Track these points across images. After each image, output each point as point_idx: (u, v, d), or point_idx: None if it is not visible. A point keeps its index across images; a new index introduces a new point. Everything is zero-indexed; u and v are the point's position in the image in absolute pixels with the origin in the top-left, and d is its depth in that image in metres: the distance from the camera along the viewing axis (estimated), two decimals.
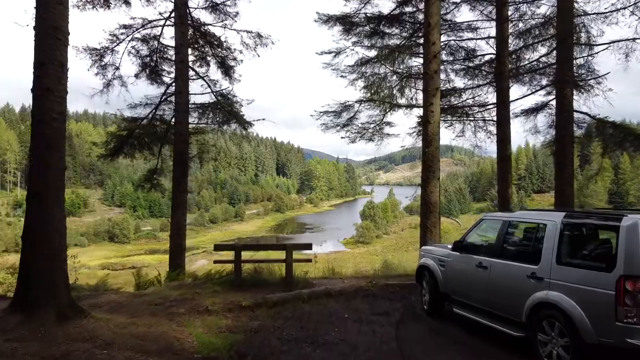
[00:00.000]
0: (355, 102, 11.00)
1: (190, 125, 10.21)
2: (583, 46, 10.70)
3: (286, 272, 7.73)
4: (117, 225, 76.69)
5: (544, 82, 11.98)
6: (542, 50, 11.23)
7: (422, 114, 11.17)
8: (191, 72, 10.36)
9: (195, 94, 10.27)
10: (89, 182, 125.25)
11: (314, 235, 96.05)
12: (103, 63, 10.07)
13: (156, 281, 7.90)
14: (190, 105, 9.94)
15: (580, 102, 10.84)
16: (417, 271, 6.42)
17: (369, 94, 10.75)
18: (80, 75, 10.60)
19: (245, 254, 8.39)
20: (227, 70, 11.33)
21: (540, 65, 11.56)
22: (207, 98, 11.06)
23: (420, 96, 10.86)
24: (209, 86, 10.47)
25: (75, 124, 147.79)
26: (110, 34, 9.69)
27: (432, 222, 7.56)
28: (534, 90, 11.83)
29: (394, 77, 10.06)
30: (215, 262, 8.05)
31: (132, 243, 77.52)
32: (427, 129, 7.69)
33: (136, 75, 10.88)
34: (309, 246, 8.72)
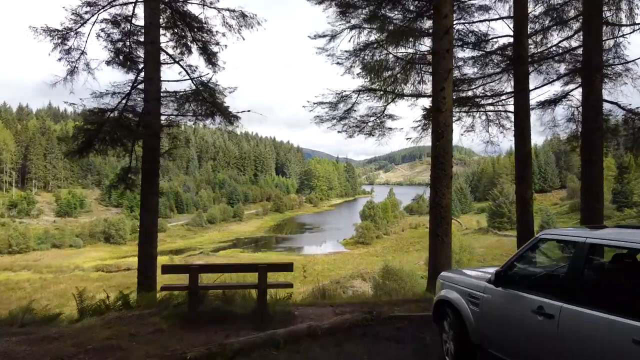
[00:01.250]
0: (353, 91, 9.77)
1: (166, 118, 9.00)
2: (610, 27, 9.50)
3: (258, 301, 6.05)
4: (113, 226, 75.48)
5: (563, 69, 10.82)
6: (562, 34, 10.03)
7: (430, 104, 9.99)
8: (166, 58, 9.15)
9: (169, 80, 8.99)
10: (86, 182, 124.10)
11: (313, 236, 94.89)
12: (67, 47, 8.85)
13: (103, 305, 6.50)
14: (164, 94, 8.71)
15: (605, 92, 9.70)
16: (435, 307, 4.59)
17: (368, 81, 9.53)
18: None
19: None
20: (210, 57, 10.08)
21: (560, 51, 10.36)
22: (187, 87, 9.83)
23: (427, 86, 9.66)
24: (187, 73, 9.18)
25: (73, 123, 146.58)
26: (72, 13, 8.46)
27: (444, 230, 6.33)
28: (551, 80, 10.63)
29: (397, 63, 8.79)
30: (163, 288, 6.34)
31: (128, 244, 76.18)
32: (437, 119, 6.48)
33: (108, 63, 9.64)
34: (288, 267, 6.53)
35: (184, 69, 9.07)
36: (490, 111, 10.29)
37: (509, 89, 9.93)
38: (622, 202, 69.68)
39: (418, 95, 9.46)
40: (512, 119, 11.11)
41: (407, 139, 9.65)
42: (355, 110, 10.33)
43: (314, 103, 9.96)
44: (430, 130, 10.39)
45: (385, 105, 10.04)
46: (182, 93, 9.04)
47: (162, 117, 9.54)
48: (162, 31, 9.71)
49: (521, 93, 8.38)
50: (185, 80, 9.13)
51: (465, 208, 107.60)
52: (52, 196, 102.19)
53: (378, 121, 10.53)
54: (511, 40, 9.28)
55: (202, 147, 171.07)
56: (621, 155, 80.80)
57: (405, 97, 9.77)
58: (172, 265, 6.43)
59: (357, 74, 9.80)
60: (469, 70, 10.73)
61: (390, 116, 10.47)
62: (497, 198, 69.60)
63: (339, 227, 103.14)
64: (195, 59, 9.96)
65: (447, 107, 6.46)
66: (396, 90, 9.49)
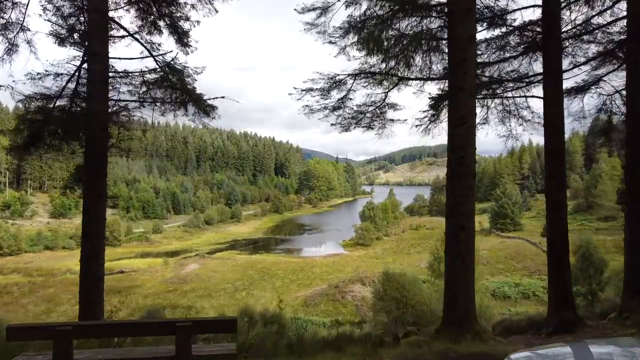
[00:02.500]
0: (349, 75, 8.24)
1: (122, 105, 7.45)
2: None
3: None
4: (107, 227, 73.77)
5: (592, 51, 9.30)
6: (596, 5, 8.51)
7: (438, 90, 8.47)
8: (124, 36, 7.61)
9: (122, 58, 7.41)
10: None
11: (312, 237, 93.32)
12: (3, 21, 7.35)
13: None
14: (117, 75, 7.19)
15: None
16: None
17: (366, 64, 8.00)
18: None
19: None
20: (180, 36, 8.56)
21: (590, 28, 8.85)
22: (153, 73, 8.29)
23: (437, 68, 8.12)
24: (148, 50, 7.57)
25: None
26: None
27: (466, 246, 4.77)
28: (577, 64, 9.12)
29: (403, 38, 7.23)
30: (11, 336, 3.48)
31: (122, 246, 74.79)
32: (457, 100, 4.92)
33: (61, 41, 8.11)
34: (228, 325, 3.85)
35: (144, 45, 7.49)
36: (509, 97, 8.74)
37: (532, 73, 8.40)
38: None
39: (426, 78, 7.92)
40: (533, 110, 9.64)
41: (417, 126, 8.09)
42: (351, 99, 8.81)
43: (302, 90, 8.44)
44: (439, 122, 8.90)
45: (387, 92, 8.51)
46: (139, 73, 7.43)
47: (132, 107, 8.02)
48: (125, 6, 8.23)
49: (552, 74, 6.86)
50: (146, 57, 7.55)
51: None
52: (48, 197, 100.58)
53: (378, 111, 9.01)
54: (534, 14, 7.79)
55: (201, 148, 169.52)
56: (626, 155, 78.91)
57: (410, 82, 8.24)
58: (24, 326, 3.61)
59: (354, 57, 8.29)
60: (483, 52, 9.21)
61: (392, 105, 8.95)
62: (500, 199, 67.93)
63: (339, 228, 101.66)
64: (165, 40, 8.39)
65: (470, 84, 4.90)
66: (400, 73, 7.96)
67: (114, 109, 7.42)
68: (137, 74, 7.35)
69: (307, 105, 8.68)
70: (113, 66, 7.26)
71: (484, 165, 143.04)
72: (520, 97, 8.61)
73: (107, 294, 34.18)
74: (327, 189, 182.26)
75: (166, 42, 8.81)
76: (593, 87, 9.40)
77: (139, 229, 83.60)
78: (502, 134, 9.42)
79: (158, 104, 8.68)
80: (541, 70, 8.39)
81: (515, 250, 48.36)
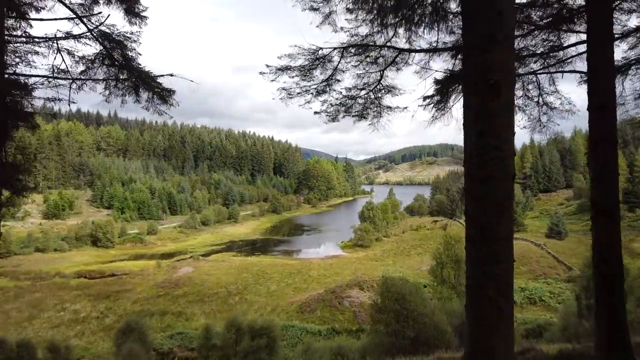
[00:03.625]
0: (335, 49, 6.55)
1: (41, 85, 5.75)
2: None
3: None
4: (101, 229, 72.13)
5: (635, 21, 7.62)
6: None
7: (446, 70, 6.74)
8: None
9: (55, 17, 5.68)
10: (79, 183, 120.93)
11: (310, 238, 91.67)
12: None
13: None
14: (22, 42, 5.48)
15: None
16: None
17: (355, 34, 6.31)
18: None
19: None
20: (130, 5, 6.89)
21: None
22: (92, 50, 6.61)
23: (449, 38, 6.39)
24: (76, 14, 5.86)
25: (66, 123, 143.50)
26: None
27: (505, 290, 2.89)
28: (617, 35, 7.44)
29: None
30: None
31: (116, 247, 73.11)
32: (486, 59, 3.12)
33: None
34: None
35: (68, 7, 5.74)
36: (539, 72, 7.03)
37: (568, 44, 6.69)
38: (633, 203, 66.43)
39: (434, 49, 6.21)
40: (561, 93, 7.96)
41: (424, 106, 6.38)
42: (338, 81, 7.12)
43: (277, 69, 6.75)
44: (448, 109, 7.22)
45: (383, 71, 6.82)
46: (53, 38, 5.68)
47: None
48: None
49: (601, 42, 5.18)
50: (72, 20, 5.79)
51: None
52: (43, 198, 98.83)
53: (372, 96, 7.33)
54: None
55: (199, 147, 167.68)
56: (631, 153, 77.58)
57: (413, 58, 6.54)
58: None
59: (341, 28, 6.58)
60: None
61: (390, 89, 7.26)
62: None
63: (338, 228, 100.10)
64: (115, 14, 6.66)
65: (507, 32, 3.13)
66: (397, 45, 6.26)
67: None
68: (48, 39, 5.59)
69: (284, 89, 6.99)
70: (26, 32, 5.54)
71: None
72: (556, 72, 6.86)
73: (96, 299, 32.46)
74: (326, 188, 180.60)
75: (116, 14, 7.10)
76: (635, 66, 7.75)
77: (133, 230, 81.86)
78: (534, 117, 7.72)
79: (99, 85, 7.01)
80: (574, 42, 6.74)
81: (519, 252, 46.67)
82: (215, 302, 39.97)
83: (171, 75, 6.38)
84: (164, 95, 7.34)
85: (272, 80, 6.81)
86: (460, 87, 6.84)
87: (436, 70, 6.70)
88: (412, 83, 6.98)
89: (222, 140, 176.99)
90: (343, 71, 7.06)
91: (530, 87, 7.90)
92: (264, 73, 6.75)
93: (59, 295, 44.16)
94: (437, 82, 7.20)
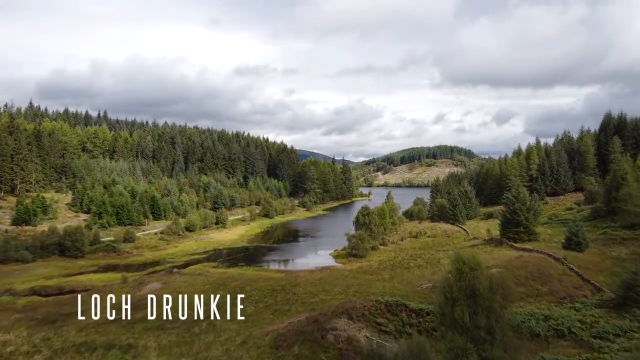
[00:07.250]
0: None
1: None
2: None
3: None
4: (69, 236, 65.45)
5: None
6: None
7: None
8: None
9: None
10: (61, 186, 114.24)
11: (302, 245, 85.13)
12: None
13: None
14: None
15: None
16: None
17: None
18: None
19: None
20: None
21: None
22: None
23: None
24: None
25: (50, 123, 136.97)
26: None
27: None
28: None
29: None
30: None
31: (86, 257, 66.44)
32: None
33: None
34: None
35: None
36: None
37: None
38: None
39: None
40: None
41: None
42: None
43: None
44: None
45: None
46: None
47: None
48: None
49: None
50: None
51: (471, 213, 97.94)
52: (16, 201, 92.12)
53: None
54: None
55: (189, 148, 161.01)
56: None
57: None
58: None
59: None
60: None
61: None
62: (512, 204, 59.65)
63: (332, 234, 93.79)
64: None
65: None
66: None
67: None
68: None
69: None
70: None
71: (488, 166, 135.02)
72: None
73: (38, 324, 24.13)
74: (323, 191, 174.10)
75: None
76: None
77: (108, 237, 75.17)
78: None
79: None
80: None
81: (536, 267, 40.08)
82: (177, 331, 33.44)
83: None
84: None
85: None
86: None
87: None
88: None
89: (214, 141, 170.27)
90: None
91: None
92: None
93: (5, 316, 37.69)
94: None
